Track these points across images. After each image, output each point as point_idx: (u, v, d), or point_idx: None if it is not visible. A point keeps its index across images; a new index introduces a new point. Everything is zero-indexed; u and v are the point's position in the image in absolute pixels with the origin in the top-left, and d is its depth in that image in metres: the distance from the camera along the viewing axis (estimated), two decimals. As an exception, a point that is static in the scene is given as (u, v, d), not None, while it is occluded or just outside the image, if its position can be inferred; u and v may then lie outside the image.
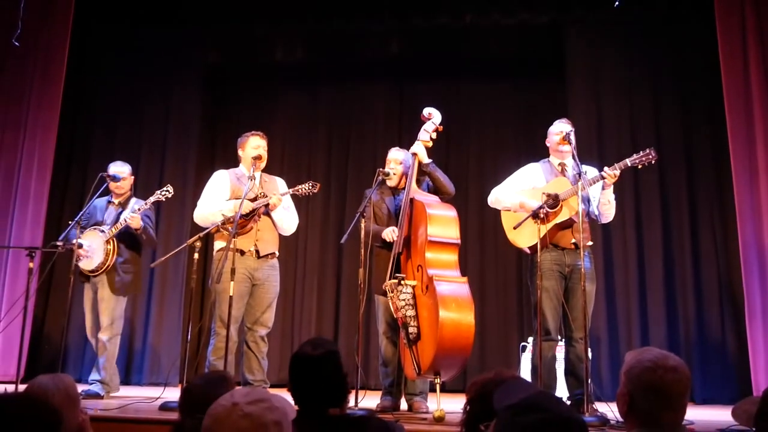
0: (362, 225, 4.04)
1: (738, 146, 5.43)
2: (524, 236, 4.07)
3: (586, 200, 4.10)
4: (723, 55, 5.53)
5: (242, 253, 4.28)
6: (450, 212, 4.06)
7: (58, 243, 4.67)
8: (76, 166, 6.81)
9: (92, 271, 4.78)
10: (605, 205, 4.13)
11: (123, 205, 4.92)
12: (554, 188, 3.99)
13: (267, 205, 4.31)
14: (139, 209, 4.73)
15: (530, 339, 5.28)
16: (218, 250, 4.37)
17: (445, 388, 4.30)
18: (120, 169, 4.95)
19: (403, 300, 3.84)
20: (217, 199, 4.45)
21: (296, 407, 1.88)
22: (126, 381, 6.07)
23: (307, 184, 4.33)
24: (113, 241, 4.78)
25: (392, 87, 7.28)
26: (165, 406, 3.77)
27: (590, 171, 4.11)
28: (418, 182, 4.30)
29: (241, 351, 4.41)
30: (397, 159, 4.39)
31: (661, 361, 1.70)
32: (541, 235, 3.86)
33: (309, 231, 7.00)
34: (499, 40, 6.97)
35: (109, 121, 6.87)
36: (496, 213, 4.37)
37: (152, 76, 6.89)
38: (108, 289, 4.77)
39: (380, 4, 6.51)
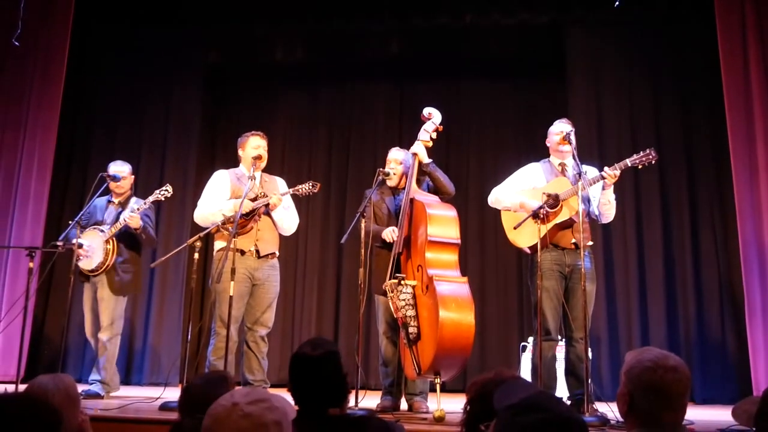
0: (362, 225, 4.04)
1: (738, 144, 5.43)
2: (524, 236, 4.07)
3: (587, 200, 4.10)
4: (723, 53, 5.53)
5: (242, 253, 4.28)
6: (450, 212, 4.06)
7: (58, 243, 4.66)
8: (76, 166, 6.81)
9: (92, 271, 4.77)
10: (605, 205, 4.12)
11: (123, 205, 4.91)
12: (554, 188, 3.99)
13: (267, 205, 4.31)
14: (138, 209, 4.73)
15: (530, 339, 5.28)
16: (218, 250, 4.37)
17: (445, 388, 4.30)
18: (120, 168, 4.95)
19: (403, 300, 3.84)
20: (217, 199, 4.45)
21: (296, 407, 1.88)
22: (126, 381, 6.07)
23: (307, 184, 4.33)
24: (113, 240, 4.77)
25: (392, 87, 7.28)
26: (165, 406, 3.77)
27: (590, 171, 4.11)
28: (419, 182, 4.30)
29: (241, 351, 4.41)
30: (397, 159, 4.39)
31: (661, 361, 1.70)
32: (541, 235, 3.86)
33: (309, 231, 7.01)
34: (499, 40, 6.97)
35: (109, 121, 6.87)
36: (496, 213, 4.37)
37: (152, 76, 6.89)
38: (107, 289, 4.77)
39: (380, 4, 6.51)
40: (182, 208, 6.45)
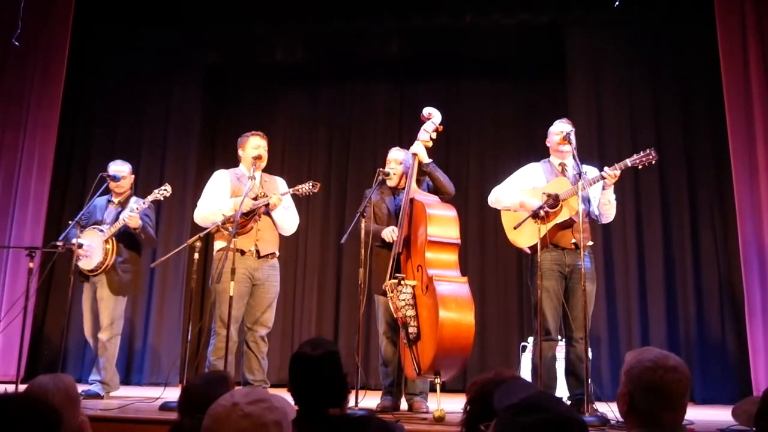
0: (362, 225, 4.04)
1: (738, 144, 5.43)
2: (524, 236, 4.07)
3: (587, 200, 4.10)
4: (723, 52, 5.53)
5: (242, 253, 4.28)
6: (450, 212, 4.06)
7: (58, 243, 4.66)
8: (76, 166, 6.81)
9: (91, 271, 4.76)
10: (606, 206, 4.12)
11: (123, 205, 4.90)
12: (554, 188, 3.99)
13: (267, 205, 4.31)
14: (137, 208, 4.72)
15: (530, 339, 5.28)
16: (218, 250, 4.36)
17: (445, 388, 4.30)
18: (120, 168, 4.94)
19: (403, 300, 3.84)
20: (217, 199, 4.45)
21: (296, 407, 1.88)
22: (126, 381, 6.07)
23: (307, 184, 4.32)
24: (112, 240, 4.76)
25: (392, 87, 7.28)
26: (165, 406, 3.77)
27: (590, 171, 4.11)
28: (419, 182, 4.30)
29: (241, 351, 4.41)
30: (397, 159, 4.39)
31: (661, 361, 1.70)
32: (541, 235, 3.86)
33: (309, 231, 7.01)
34: (499, 40, 6.97)
35: (109, 121, 6.87)
36: (496, 213, 4.37)
37: (152, 76, 6.89)
38: (107, 289, 4.76)
39: (380, 4, 6.51)
40: (182, 208, 6.45)
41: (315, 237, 7.05)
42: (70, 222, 4.83)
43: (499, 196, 4.25)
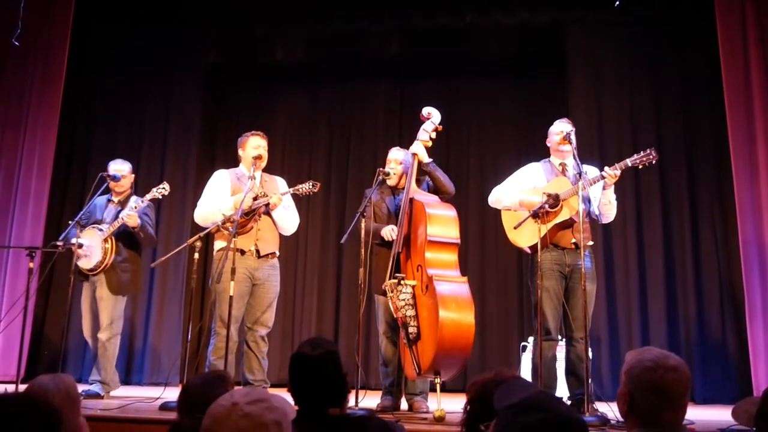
0: (362, 225, 4.04)
1: (738, 143, 5.43)
2: (524, 236, 4.06)
3: (587, 200, 4.10)
4: (723, 51, 5.53)
5: (242, 252, 4.28)
6: (450, 212, 4.06)
7: (58, 243, 4.65)
8: (77, 166, 6.82)
9: (90, 270, 4.76)
10: (606, 206, 4.12)
11: (123, 204, 4.89)
12: (555, 188, 3.99)
13: (267, 205, 4.31)
14: (135, 207, 4.72)
15: (530, 339, 5.27)
16: (218, 250, 4.36)
17: (445, 388, 4.30)
18: (120, 167, 4.94)
19: (403, 300, 3.84)
20: (217, 199, 4.45)
21: (296, 407, 1.88)
22: (126, 381, 6.07)
23: (307, 184, 4.32)
24: (111, 239, 4.75)
25: (392, 87, 7.28)
26: (165, 406, 3.77)
27: (591, 171, 4.11)
28: (418, 182, 4.30)
29: (242, 351, 4.40)
30: (397, 159, 4.39)
31: (661, 361, 1.70)
32: (542, 235, 3.86)
33: (309, 231, 7.01)
34: (499, 39, 6.97)
35: (109, 120, 6.87)
36: (496, 213, 4.37)
37: (152, 76, 6.90)
38: (106, 289, 4.75)
39: (380, 4, 6.51)
40: (182, 208, 6.45)
41: (315, 237, 7.05)
42: (70, 222, 4.82)
43: (500, 196, 4.25)
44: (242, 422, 1.33)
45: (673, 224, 6.01)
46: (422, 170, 4.27)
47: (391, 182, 4.38)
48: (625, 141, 6.05)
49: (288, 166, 6.96)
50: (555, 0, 6.38)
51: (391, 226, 4.18)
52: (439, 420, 3.48)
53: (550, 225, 3.92)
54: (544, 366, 3.89)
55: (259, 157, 4.44)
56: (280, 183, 4.63)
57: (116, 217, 4.79)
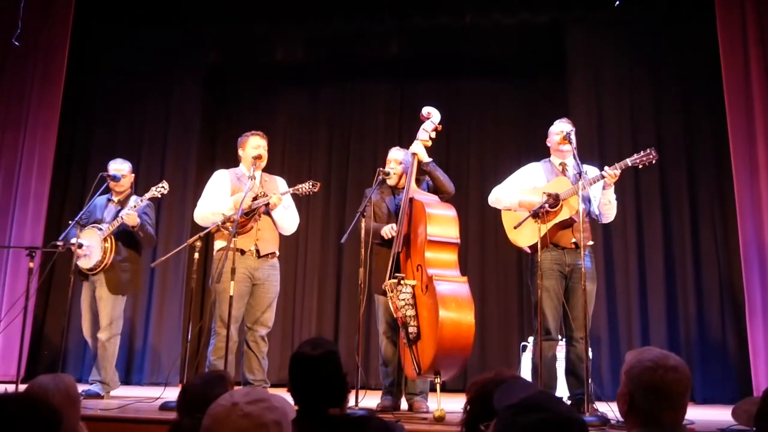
0: (362, 224, 4.04)
1: (738, 143, 5.43)
2: (524, 236, 4.06)
3: (587, 200, 4.10)
4: (723, 51, 5.53)
5: (242, 252, 4.28)
6: (449, 212, 4.06)
7: (58, 243, 4.65)
8: (77, 166, 6.82)
9: (90, 270, 4.75)
10: (606, 205, 4.12)
11: (123, 203, 4.89)
12: (555, 188, 3.99)
13: (267, 205, 4.31)
14: (134, 206, 4.72)
15: (530, 339, 5.27)
16: (218, 250, 4.36)
17: (445, 388, 4.29)
18: (120, 167, 4.94)
19: (403, 300, 3.84)
20: (217, 199, 4.45)
21: (296, 407, 1.88)
22: (126, 381, 6.07)
23: (307, 184, 4.32)
24: (111, 239, 4.75)
25: (392, 87, 7.28)
26: (165, 406, 3.77)
27: (591, 170, 4.11)
28: (418, 182, 4.30)
29: (242, 351, 4.40)
30: (397, 158, 4.39)
31: (661, 361, 1.70)
32: (542, 235, 3.86)
33: (309, 231, 7.01)
34: (499, 39, 6.97)
35: (109, 120, 6.87)
36: (496, 213, 4.37)
37: (152, 76, 6.90)
38: (106, 288, 4.74)
39: (380, 4, 6.51)
40: (182, 208, 6.44)
41: (315, 237, 7.05)
42: (70, 222, 4.82)
43: (500, 196, 4.25)
44: (242, 422, 1.33)
45: (673, 224, 6.01)
46: (422, 170, 4.27)
47: (391, 182, 4.38)
48: (625, 141, 6.05)
49: (288, 166, 6.96)
50: (555, 0, 6.39)
51: (391, 225, 4.18)
52: (439, 420, 3.48)
53: (550, 225, 3.92)
54: (544, 366, 3.89)
55: (259, 157, 4.43)
56: (280, 183, 4.63)
57: (116, 216, 4.78)
